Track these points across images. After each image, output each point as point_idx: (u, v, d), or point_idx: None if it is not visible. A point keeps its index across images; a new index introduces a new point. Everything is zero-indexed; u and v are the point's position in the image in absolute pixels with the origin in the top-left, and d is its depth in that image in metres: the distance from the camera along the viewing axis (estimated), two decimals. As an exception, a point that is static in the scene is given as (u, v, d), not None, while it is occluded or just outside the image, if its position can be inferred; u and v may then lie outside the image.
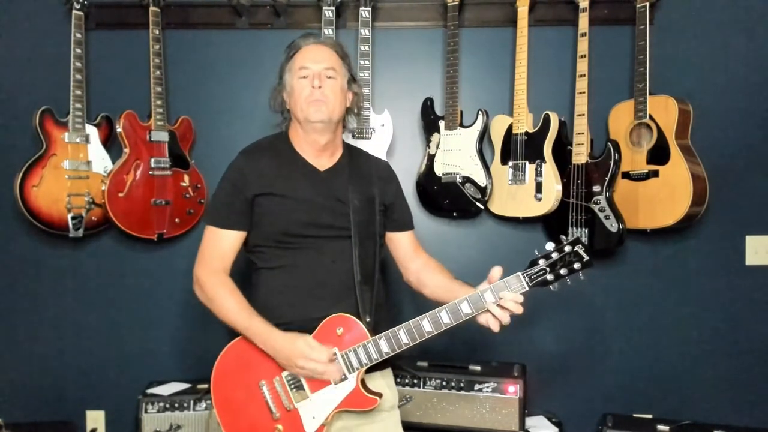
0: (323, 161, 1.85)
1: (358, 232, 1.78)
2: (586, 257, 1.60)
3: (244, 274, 1.87)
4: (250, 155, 1.84)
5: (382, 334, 1.67)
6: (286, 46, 1.86)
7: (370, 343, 1.67)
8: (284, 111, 1.88)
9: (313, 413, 1.69)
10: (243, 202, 1.77)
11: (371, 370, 1.72)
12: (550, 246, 1.62)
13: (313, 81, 1.76)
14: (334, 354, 1.67)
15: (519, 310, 1.60)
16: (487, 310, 1.62)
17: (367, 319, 1.72)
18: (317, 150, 1.84)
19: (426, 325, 1.64)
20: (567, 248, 1.60)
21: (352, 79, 1.88)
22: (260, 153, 1.84)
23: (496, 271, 1.64)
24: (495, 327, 1.63)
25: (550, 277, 1.60)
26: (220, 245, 1.78)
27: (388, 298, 2.00)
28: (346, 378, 1.68)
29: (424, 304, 1.82)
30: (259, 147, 1.88)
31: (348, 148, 1.94)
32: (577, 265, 1.60)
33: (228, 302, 1.73)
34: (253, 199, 1.77)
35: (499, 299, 1.60)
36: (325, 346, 1.66)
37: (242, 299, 1.74)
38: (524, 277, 1.61)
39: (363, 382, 1.70)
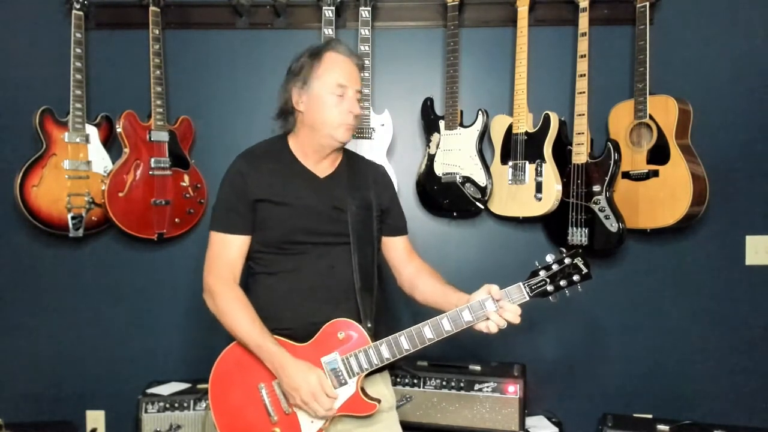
0: (323, 168, 1.85)
1: (356, 238, 1.78)
2: (585, 270, 1.61)
3: (242, 278, 1.86)
4: (250, 159, 1.82)
5: (384, 339, 1.67)
6: (316, 47, 1.81)
7: (371, 349, 1.67)
8: (289, 108, 1.83)
9: (312, 417, 1.69)
10: (246, 206, 1.76)
11: (370, 372, 1.71)
12: (550, 258, 1.63)
13: (352, 107, 1.76)
14: (334, 364, 1.68)
15: (517, 320, 1.62)
16: (487, 318, 1.63)
17: (368, 325, 1.72)
18: (320, 157, 1.83)
19: (427, 331, 1.65)
20: (567, 260, 1.62)
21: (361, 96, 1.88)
22: (259, 158, 1.82)
23: (494, 288, 1.64)
24: (493, 329, 1.64)
25: (550, 288, 1.61)
26: (229, 252, 1.77)
27: (387, 303, 2.00)
28: (346, 383, 1.68)
29: (420, 310, 1.83)
30: (257, 152, 1.86)
31: (346, 154, 1.93)
32: (576, 278, 1.61)
33: (240, 318, 1.70)
34: (255, 204, 1.76)
35: (500, 308, 1.62)
36: (335, 391, 1.66)
37: (255, 316, 1.71)
38: (525, 287, 1.62)
39: (363, 387, 1.70)
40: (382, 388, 1.82)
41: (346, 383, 1.68)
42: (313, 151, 1.82)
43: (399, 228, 1.95)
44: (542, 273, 1.62)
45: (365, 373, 1.69)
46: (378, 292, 1.84)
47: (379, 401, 1.71)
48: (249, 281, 1.84)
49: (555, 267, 1.61)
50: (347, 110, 1.76)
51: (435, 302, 1.78)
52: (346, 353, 1.68)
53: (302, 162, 1.83)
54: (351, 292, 1.75)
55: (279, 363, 1.66)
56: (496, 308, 1.62)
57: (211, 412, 1.76)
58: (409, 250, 1.95)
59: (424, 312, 1.74)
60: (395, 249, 1.94)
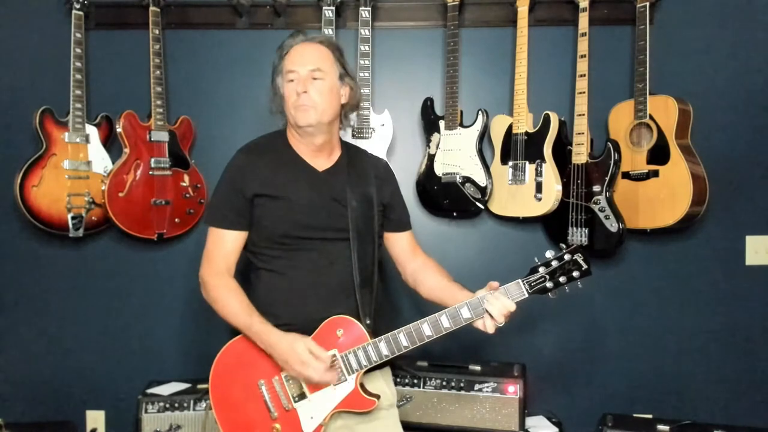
0: (321, 161, 1.85)
1: (356, 233, 1.78)
2: (584, 266, 1.62)
3: (244, 273, 1.86)
4: (249, 154, 1.83)
5: (382, 336, 1.67)
6: (277, 47, 1.84)
7: (370, 346, 1.68)
8: (282, 112, 1.86)
9: (312, 413, 1.70)
10: (243, 201, 1.77)
11: (371, 369, 1.72)
12: (549, 254, 1.63)
13: (297, 85, 1.75)
14: (334, 357, 1.67)
15: (501, 320, 1.61)
16: (485, 314, 1.63)
17: (367, 321, 1.73)
18: (314, 150, 1.83)
19: (426, 329, 1.65)
20: (567, 256, 1.62)
21: (346, 74, 1.84)
22: (259, 152, 1.83)
23: (494, 284, 1.64)
24: (491, 329, 1.64)
25: (549, 284, 1.62)
26: (223, 246, 1.78)
27: (386, 300, 2.00)
28: (345, 379, 1.68)
29: (422, 306, 1.82)
30: (257, 146, 1.87)
31: (347, 147, 1.93)
32: (575, 274, 1.61)
33: (230, 303, 1.73)
34: (252, 199, 1.76)
35: (494, 299, 1.61)
36: (325, 352, 1.66)
37: (244, 299, 1.74)
38: (524, 284, 1.62)
39: (362, 383, 1.71)
40: (383, 385, 1.82)
41: (345, 380, 1.68)
42: (304, 145, 1.83)
43: (402, 223, 1.95)
44: (541, 270, 1.62)
45: (364, 370, 1.69)
46: (379, 289, 1.84)
47: (378, 397, 1.72)
48: (251, 276, 1.84)
49: (554, 263, 1.62)
50: (294, 90, 1.75)
51: (439, 298, 1.79)
52: (345, 350, 1.68)
53: (301, 156, 1.84)
54: (350, 289, 1.75)
55: (266, 340, 1.68)
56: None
57: (212, 408, 1.77)
58: (413, 246, 1.95)
59: (426, 308, 1.74)
60: (399, 244, 1.94)
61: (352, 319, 1.71)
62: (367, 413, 1.73)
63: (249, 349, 1.73)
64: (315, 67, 1.76)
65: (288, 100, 1.77)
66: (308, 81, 1.75)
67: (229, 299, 1.74)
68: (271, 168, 1.79)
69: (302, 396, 1.71)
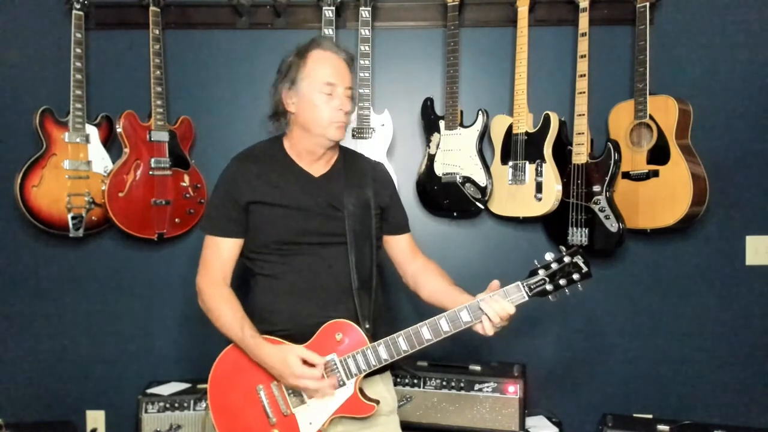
0: (319, 167, 1.84)
1: (354, 237, 1.77)
2: (585, 268, 1.60)
3: (243, 279, 1.86)
4: (243, 162, 1.82)
5: (381, 340, 1.66)
6: (302, 46, 1.81)
7: (369, 350, 1.67)
8: (281, 110, 1.83)
9: (310, 419, 1.69)
10: (237, 209, 1.77)
11: (370, 373, 1.71)
12: (549, 256, 1.62)
13: (342, 104, 1.76)
14: (331, 362, 1.66)
15: (497, 320, 1.59)
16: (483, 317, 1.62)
17: (366, 325, 1.71)
18: (315, 157, 1.83)
19: (425, 332, 1.64)
20: (566, 259, 1.60)
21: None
22: (253, 160, 1.83)
23: (495, 283, 1.64)
24: (490, 332, 1.63)
25: (549, 287, 1.60)
26: (220, 254, 1.78)
27: (386, 303, 1.99)
28: (344, 384, 1.68)
29: (423, 308, 1.82)
30: (251, 154, 1.86)
31: (343, 151, 1.92)
32: (576, 276, 1.60)
33: (224, 314, 1.73)
34: (247, 206, 1.76)
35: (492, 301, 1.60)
36: (320, 357, 1.64)
37: (238, 311, 1.73)
38: (524, 286, 1.61)
39: (361, 388, 1.70)
40: (383, 390, 1.81)
41: (344, 384, 1.67)
42: (307, 152, 1.82)
43: (401, 226, 1.95)
44: (541, 272, 1.61)
45: (363, 374, 1.68)
46: (378, 292, 1.83)
47: (377, 402, 1.71)
48: (250, 282, 1.84)
49: (554, 266, 1.60)
50: (337, 108, 1.75)
51: (439, 301, 1.78)
52: (344, 354, 1.67)
53: (297, 162, 1.83)
54: (348, 293, 1.74)
55: (259, 354, 1.68)
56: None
57: (211, 413, 1.76)
58: (412, 248, 1.95)
59: (427, 311, 1.74)
60: (398, 247, 1.94)
61: (351, 323, 1.70)
62: (366, 418, 1.72)
63: (247, 355, 1.73)
64: (349, 86, 1.79)
65: (321, 112, 1.75)
66: (347, 101, 1.78)
67: (222, 310, 1.73)
68: (266, 175, 1.79)
69: (301, 401, 1.70)
